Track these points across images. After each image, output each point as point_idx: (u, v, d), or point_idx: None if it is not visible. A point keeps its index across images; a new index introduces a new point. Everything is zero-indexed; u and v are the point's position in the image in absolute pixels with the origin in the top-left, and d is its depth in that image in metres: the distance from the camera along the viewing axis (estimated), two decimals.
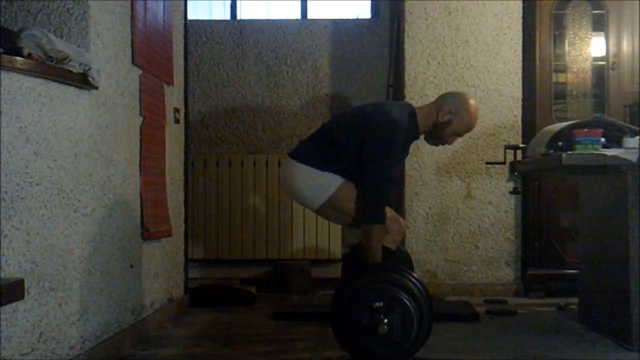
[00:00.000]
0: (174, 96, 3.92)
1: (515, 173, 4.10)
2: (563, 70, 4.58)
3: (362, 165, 2.97)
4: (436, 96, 4.61)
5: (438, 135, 3.12)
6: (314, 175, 3.03)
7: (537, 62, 4.56)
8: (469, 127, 3.13)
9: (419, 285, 2.81)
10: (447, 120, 3.06)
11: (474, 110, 3.10)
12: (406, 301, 2.71)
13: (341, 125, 3.08)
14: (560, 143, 3.26)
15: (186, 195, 4.20)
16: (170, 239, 3.79)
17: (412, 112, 3.09)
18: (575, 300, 3.80)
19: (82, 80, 2.58)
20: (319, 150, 3.06)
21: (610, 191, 3.28)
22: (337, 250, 4.89)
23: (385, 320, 2.66)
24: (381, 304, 2.68)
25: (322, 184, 3.02)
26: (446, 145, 3.22)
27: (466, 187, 4.61)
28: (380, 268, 2.89)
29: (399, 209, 4.57)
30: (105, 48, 2.89)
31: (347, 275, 3.18)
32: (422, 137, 3.19)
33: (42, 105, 2.36)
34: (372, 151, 2.95)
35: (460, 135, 3.15)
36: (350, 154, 3.00)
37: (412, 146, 4.49)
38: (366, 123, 3.00)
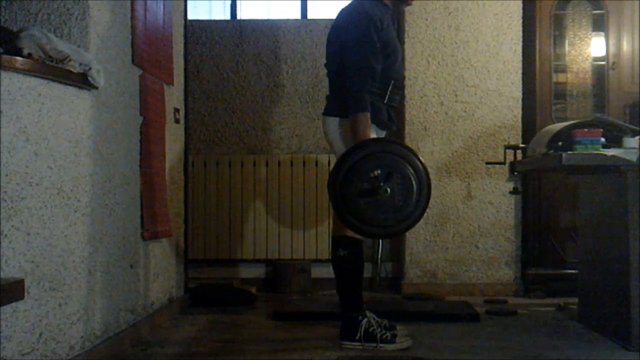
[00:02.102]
0: (174, 96, 3.92)
1: (515, 173, 4.10)
2: (563, 70, 4.58)
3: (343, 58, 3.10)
4: (436, 96, 4.67)
5: None
6: (339, 124, 3.15)
7: (537, 62, 4.56)
8: None
9: (410, 151, 2.90)
10: None
11: None
12: (402, 165, 2.80)
13: (330, 54, 3.22)
14: (560, 143, 3.26)
15: (186, 195, 4.20)
16: (170, 239, 3.79)
17: None
18: (575, 300, 3.80)
19: (82, 80, 2.58)
20: (334, 96, 3.20)
21: (610, 191, 3.28)
22: None
23: (386, 187, 2.74)
24: (378, 171, 2.76)
25: (347, 130, 3.10)
26: (409, 6, 3.41)
27: (466, 187, 4.61)
28: (373, 140, 2.97)
29: None
30: (105, 48, 2.89)
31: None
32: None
33: (42, 105, 2.36)
34: (348, 46, 3.08)
35: None
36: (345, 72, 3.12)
37: (412, 146, 4.49)
38: (340, 35, 3.14)
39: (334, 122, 3.18)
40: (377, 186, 2.74)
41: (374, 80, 3.08)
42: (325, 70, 3.31)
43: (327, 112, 3.23)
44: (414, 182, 2.81)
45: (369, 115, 3.04)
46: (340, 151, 3.09)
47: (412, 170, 2.82)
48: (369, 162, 2.80)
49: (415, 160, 2.85)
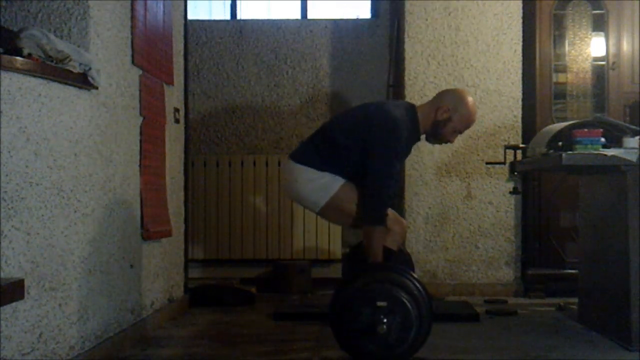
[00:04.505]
0: (174, 96, 3.92)
1: (515, 173, 4.10)
2: (563, 70, 4.58)
3: (364, 166, 2.95)
4: None
5: (438, 133, 3.12)
6: (315, 177, 3.02)
7: (537, 62, 4.55)
8: (468, 123, 3.13)
9: (420, 288, 2.80)
10: (446, 118, 3.06)
11: (472, 106, 3.11)
12: (408, 305, 2.70)
13: (342, 125, 3.07)
14: (560, 143, 3.26)
15: (186, 195, 4.20)
16: (170, 239, 3.79)
17: (413, 111, 3.08)
18: (575, 300, 3.80)
19: (82, 80, 2.58)
20: (318, 151, 3.05)
21: (610, 191, 3.28)
22: (337, 250, 4.89)
23: (385, 321, 2.66)
24: (385, 304, 2.68)
25: (323, 184, 3.01)
26: (448, 143, 3.21)
27: (466, 187, 4.61)
28: (385, 268, 2.89)
29: (399, 209, 4.57)
30: (105, 48, 2.89)
31: (348, 275, 3.18)
32: (422, 137, 3.19)
33: (42, 105, 2.36)
34: (374, 152, 2.93)
35: (460, 132, 3.15)
36: (351, 155, 3.00)
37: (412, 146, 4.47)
38: (368, 124, 2.99)
39: (308, 173, 3.02)
40: (378, 319, 2.67)
41: (396, 190, 3.00)
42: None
43: (302, 161, 3.04)
44: (413, 328, 2.71)
45: (385, 230, 2.95)
46: (309, 203, 3.05)
47: (416, 314, 2.71)
48: (381, 289, 2.73)
49: (427, 307, 2.76)
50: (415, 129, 3.07)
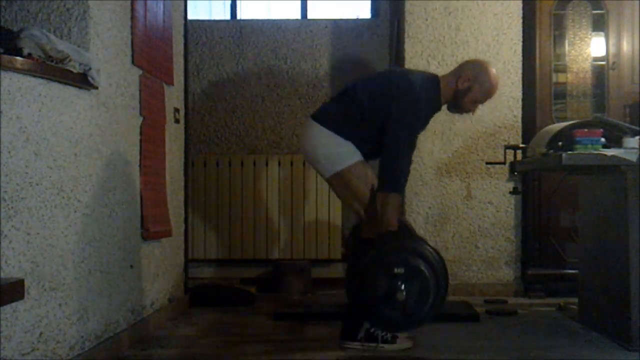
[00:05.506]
0: (174, 96, 3.92)
1: (515, 173, 4.10)
2: (563, 70, 4.58)
3: (384, 132, 2.97)
4: None
5: (459, 103, 3.14)
6: (336, 143, 3.03)
7: (537, 62, 4.56)
8: (489, 94, 3.14)
9: (435, 254, 2.83)
10: (467, 87, 3.08)
11: (494, 77, 3.13)
12: (425, 272, 2.73)
13: (367, 88, 3.08)
14: (560, 143, 3.26)
15: (186, 195, 4.20)
16: (170, 239, 3.79)
17: (436, 81, 3.11)
18: (575, 300, 3.80)
19: (82, 80, 2.58)
20: (341, 112, 3.06)
21: (610, 191, 3.28)
22: (337, 250, 4.89)
23: (403, 288, 2.68)
24: (402, 270, 2.71)
25: (342, 153, 3.02)
26: (469, 113, 3.22)
27: (466, 187, 4.61)
28: (400, 236, 2.91)
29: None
30: (105, 48, 2.89)
31: (354, 251, 3.18)
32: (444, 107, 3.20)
33: (42, 105, 2.36)
34: (396, 119, 2.96)
35: (481, 102, 3.17)
36: (372, 119, 3.02)
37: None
38: (392, 91, 3.02)
39: (330, 137, 3.03)
40: (396, 286, 2.70)
41: (407, 162, 3.04)
42: (330, 78, 3.25)
43: (325, 123, 3.05)
44: (431, 294, 2.75)
45: (400, 198, 3.01)
46: (321, 166, 3.06)
47: (433, 280, 2.76)
48: (397, 256, 2.77)
49: (443, 274, 2.80)
50: (437, 98, 3.09)
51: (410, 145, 3.02)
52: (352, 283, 2.84)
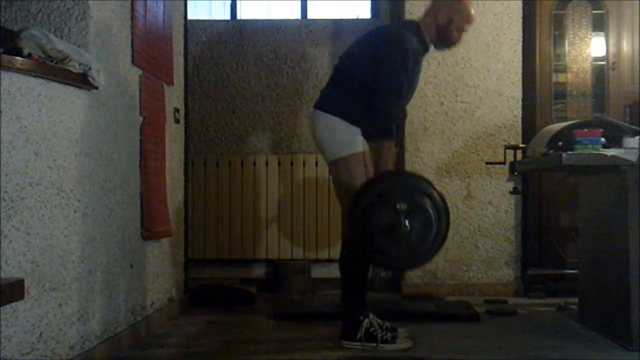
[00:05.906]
0: (174, 96, 3.92)
1: (515, 173, 4.10)
2: (563, 70, 4.58)
3: (374, 81, 3.03)
4: (436, 96, 4.67)
5: (445, 37, 3.22)
6: (343, 129, 3.09)
7: (537, 62, 4.56)
8: (469, 18, 3.22)
9: (434, 190, 2.87)
10: (448, 20, 3.16)
11: (468, 3, 3.21)
12: (427, 207, 2.78)
13: (353, 60, 3.16)
14: (560, 143, 3.26)
15: (186, 195, 4.20)
16: (170, 239, 3.79)
17: (417, 28, 3.19)
18: (575, 300, 3.80)
19: (82, 80, 2.58)
20: (341, 92, 3.12)
21: (610, 191, 3.28)
22: (337, 251, 4.87)
23: (406, 222, 2.72)
24: (405, 205, 2.74)
25: (350, 140, 3.08)
26: (457, 45, 3.30)
27: (466, 187, 4.61)
28: (400, 174, 2.98)
29: None
30: (105, 48, 2.89)
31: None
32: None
33: (42, 105, 2.36)
34: (381, 67, 3.04)
35: (465, 30, 3.23)
36: (367, 88, 3.06)
37: (412, 146, 4.50)
38: (377, 53, 3.08)
39: (339, 124, 3.11)
40: (399, 220, 2.74)
41: (398, 109, 3.11)
42: (327, 70, 3.30)
43: (331, 110, 3.13)
44: (434, 226, 2.80)
45: (393, 143, 3.06)
46: (330, 152, 3.10)
47: (436, 214, 2.81)
48: (398, 193, 2.80)
49: (444, 208, 2.85)
50: (422, 41, 3.18)
51: (399, 91, 3.06)
52: (354, 218, 2.85)
